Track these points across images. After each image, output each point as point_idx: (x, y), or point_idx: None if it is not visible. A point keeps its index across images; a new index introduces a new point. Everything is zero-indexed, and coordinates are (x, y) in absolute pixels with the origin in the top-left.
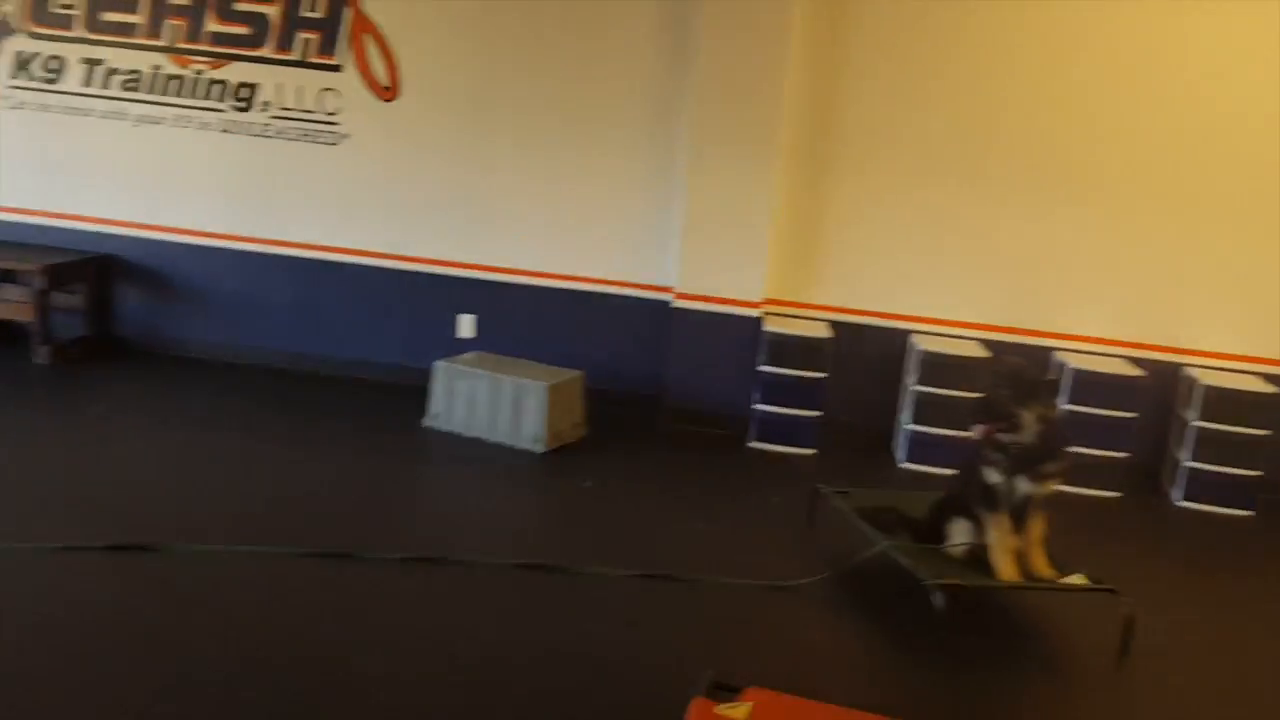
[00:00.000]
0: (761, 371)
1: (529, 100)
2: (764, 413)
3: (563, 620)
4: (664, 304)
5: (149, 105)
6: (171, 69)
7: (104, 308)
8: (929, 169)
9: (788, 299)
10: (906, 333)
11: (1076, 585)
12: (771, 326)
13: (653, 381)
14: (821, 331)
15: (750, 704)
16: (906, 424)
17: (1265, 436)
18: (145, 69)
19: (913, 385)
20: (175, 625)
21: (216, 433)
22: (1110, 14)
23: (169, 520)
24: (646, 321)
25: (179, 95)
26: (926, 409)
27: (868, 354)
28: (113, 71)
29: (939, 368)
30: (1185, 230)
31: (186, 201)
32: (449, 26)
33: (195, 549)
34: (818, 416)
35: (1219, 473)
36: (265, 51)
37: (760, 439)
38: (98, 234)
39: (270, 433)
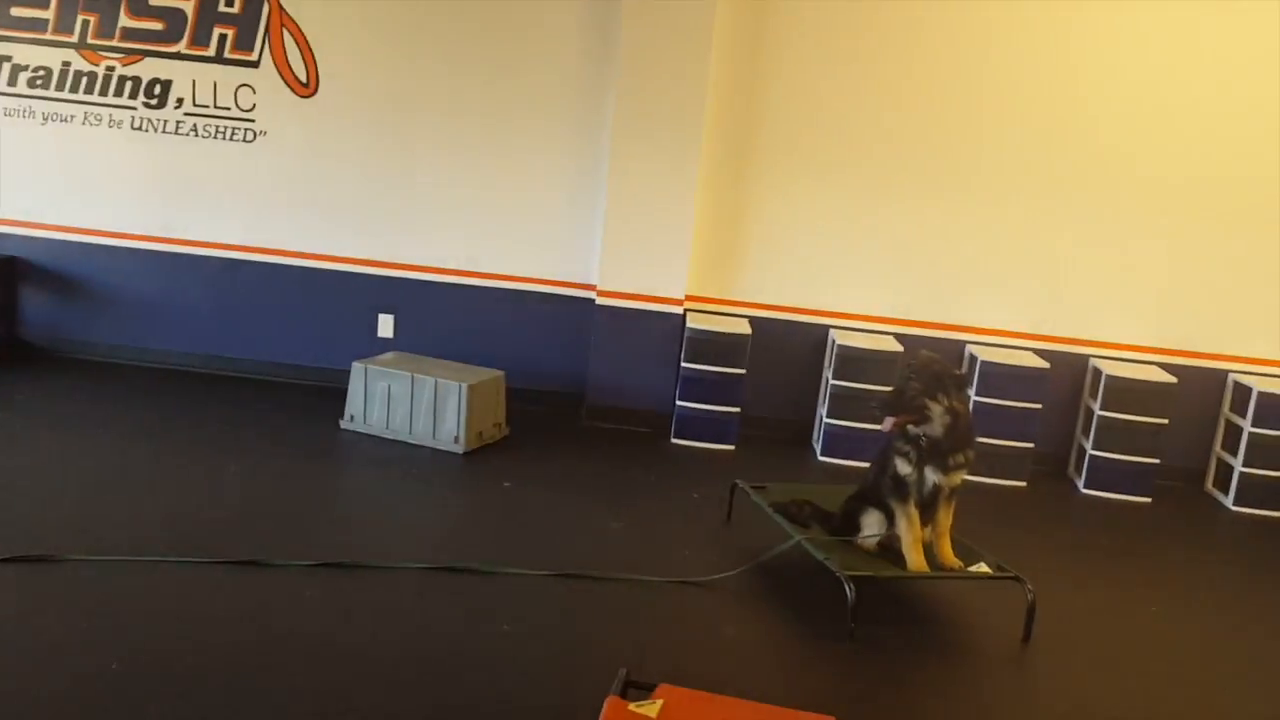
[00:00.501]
0: (683, 368)
1: (450, 97)
2: (685, 409)
3: (476, 622)
4: (587, 302)
5: (58, 103)
6: (82, 65)
7: (8, 311)
8: (847, 167)
9: (710, 295)
10: (825, 328)
11: (983, 574)
12: (693, 323)
13: (575, 380)
14: (742, 328)
15: (661, 701)
16: (824, 418)
17: (1163, 425)
18: (55, 65)
19: (830, 380)
20: (77, 639)
21: (123, 438)
22: (1019, 13)
23: (71, 530)
24: (569, 319)
25: (90, 92)
26: (844, 403)
27: (788, 349)
28: (20, 68)
29: (855, 362)
30: (1090, 226)
31: (97, 201)
32: (369, 22)
33: (98, 560)
34: (738, 412)
35: (1120, 460)
36: (180, 47)
37: (681, 436)
38: (2, 235)
39: (181, 438)
